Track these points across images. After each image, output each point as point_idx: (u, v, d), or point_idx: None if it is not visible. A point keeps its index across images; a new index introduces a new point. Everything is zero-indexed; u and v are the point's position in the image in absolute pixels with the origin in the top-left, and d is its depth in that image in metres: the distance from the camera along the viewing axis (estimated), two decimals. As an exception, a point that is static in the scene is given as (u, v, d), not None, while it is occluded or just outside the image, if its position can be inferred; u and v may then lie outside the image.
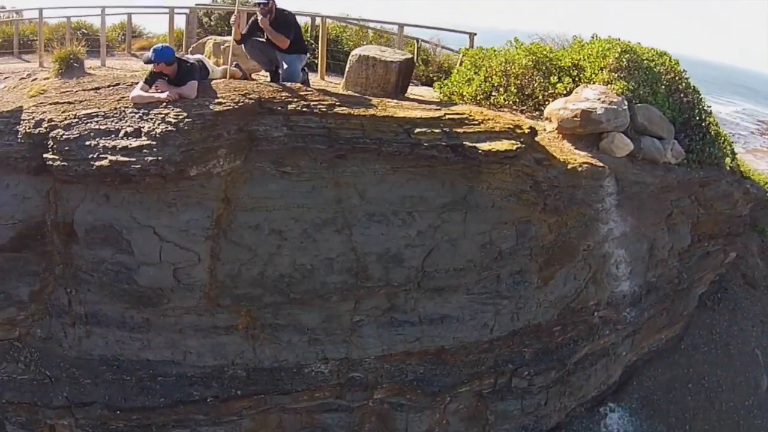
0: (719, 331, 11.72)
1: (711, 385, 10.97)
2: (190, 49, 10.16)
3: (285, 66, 8.65)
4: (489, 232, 7.92)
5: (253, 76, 9.62)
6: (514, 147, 7.56)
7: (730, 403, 11.02)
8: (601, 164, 9.21)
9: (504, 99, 10.36)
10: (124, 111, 7.39)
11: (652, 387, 10.62)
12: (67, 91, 8.10)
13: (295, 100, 7.52)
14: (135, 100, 7.41)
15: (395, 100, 8.06)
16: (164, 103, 7.25)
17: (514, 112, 10.35)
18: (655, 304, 10.21)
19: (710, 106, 12.24)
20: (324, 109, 7.45)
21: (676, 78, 11.54)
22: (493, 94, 10.50)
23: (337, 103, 7.53)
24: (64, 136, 7.26)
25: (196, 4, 13.27)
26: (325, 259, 7.57)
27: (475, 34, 12.23)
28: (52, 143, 7.28)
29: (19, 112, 7.78)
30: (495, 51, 11.09)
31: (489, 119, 7.83)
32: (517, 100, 10.43)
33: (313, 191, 7.53)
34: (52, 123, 7.40)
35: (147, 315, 7.77)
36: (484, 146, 7.46)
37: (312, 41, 13.24)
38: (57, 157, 7.24)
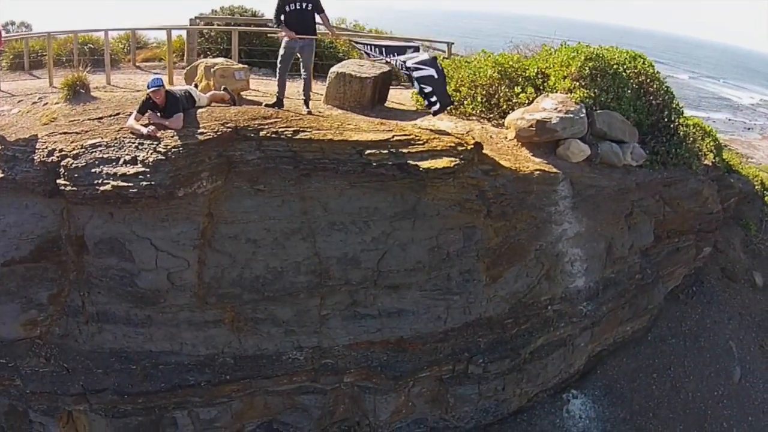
0: (689, 323, 13.43)
1: (677, 375, 12.70)
2: (185, 70, 12.34)
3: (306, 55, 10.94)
4: (436, 237, 9.93)
5: (243, 94, 11.88)
6: (452, 164, 9.54)
7: (697, 393, 12.70)
8: (555, 170, 11.12)
9: (471, 108, 12.35)
10: (123, 141, 9.66)
11: (615, 376, 12.46)
12: (74, 120, 10.39)
13: (266, 126, 9.70)
14: (127, 128, 9.74)
15: (354, 123, 10.16)
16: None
17: (481, 120, 12.34)
18: (615, 298, 12.06)
19: (682, 106, 13.94)
20: (290, 135, 9.57)
21: (647, 80, 13.30)
22: (465, 101, 12.53)
23: (301, 129, 9.70)
24: (74, 165, 9.53)
25: (195, 17, 15.45)
26: (293, 263, 9.73)
27: (452, 43, 14.20)
28: (63, 171, 9.52)
29: (34, 140, 10.06)
30: (466, 61, 13.07)
31: (433, 138, 9.82)
32: (484, 109, 12.40)
33: (282, 205, 9.69)
34: (63, 153, 9.64)
35: (148, 312, 10.04)
36: (425, 164, 9.45)
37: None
38: (68, 182, 9.47)
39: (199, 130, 9.58)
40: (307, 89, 11.00)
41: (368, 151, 9.54)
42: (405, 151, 9.61)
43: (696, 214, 13.30)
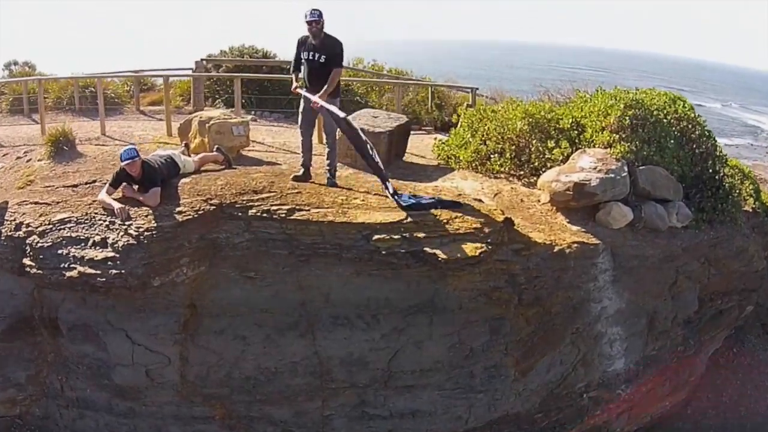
0: (730, 391, 10.14)
1: (718, 451, 9.61)
2: (179, 126, 9.42)
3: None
4: (457, 333, 6.87)
5: (242, 152, 8.94)
6: (478, 252, 6.48)
7: (738, 467, 9.62)
8: (595, 240, 7.97)
9: (500, 165, 9.21)
10: (94, 217, 6.85)
11: (652, 457, 9.39)
12: (49, 186, 7.64)
13: (256, 204, 6.75)
14: (99, 203, 6.94)
15: (361, 197, 7.08)
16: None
17: (510, 179, 9.19)
18: (655, 377, 8.92)
19: (725, 154, 10.60)
20: (283, 215, 6.62)
21: (689, 126, 9.98)
22: (492, 157, 9.39)
23: (297, 207, 6.72)
24: (39, 244, 6.84)
25: (203, 58, 12.48)
26: (289, 363, 6.78)
27: (477, 88, 11.01)
28: (29, 249, 6.88)
29: (4, 209, 7.39)
30: (492, 111, 9.89)
31: (455, 218, 6.76)
32: (513, 166, 9.24)
33: (276, 295, 6.73)
34: (29, 229, 6.95)
35: (130, 404, 7.34)
36: (445, 253, 6.41)
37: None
38: (34, 264, 6.84)
39: (178, 209, 6.70)
40: (331, 157, 7.65)
41: (376, 236, 6.53)
42: (420, 235, 6.57)
43: (741, 274, 9.99)
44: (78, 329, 7.06)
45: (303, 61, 7.37)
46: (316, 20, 7.06)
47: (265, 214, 6.66)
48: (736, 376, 10.41)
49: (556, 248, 7.56)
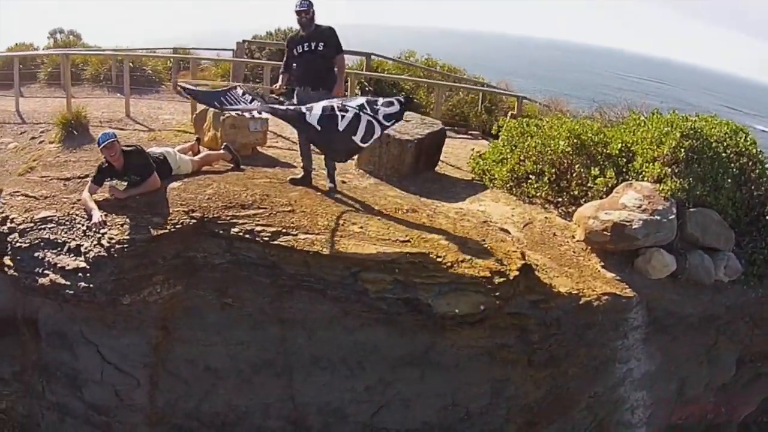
0: (762, 463, 8.39)
1: None
2: (194, 116, 8.15)
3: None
4: (452, 394, 5.40)
5: (260, 149, 7.60)
6: (480, 308, 4.98)
7: None
8: (629, 292, 6.25)
9: (536, 189, 7.54)
10: (74, 219, 5.67)
11: None
12: (45, 177, 6.53)
13: (240, 221, 5.43)
14: (81, 203, 5.75)
15: (362, 220, 5.60)
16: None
17: (546, 206, 7.53)
18: (680, 448, 7.26)
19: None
20: (267, 238, 5.29)
21: (749, 164, 8.01)
22: (529, 179, 7.73)
23: (283, 230, 5.35)
24: (18, 243, 5.73)
25: (244, 40, 11.15)
26: (261, 404, 5.51)
27: (525, 97, 9.23)
28: (9, 248, 5.80)
29: (-3, 197, 6.39)
30: (536, 125, 8.13)
31: (462, 261, 5.24)
32: (551, 191, 7.54)
33: (255, 327, 5.41)
34: (12, 225, 5.84)
35: (105, 419, 6.24)
36: (442, 306, 4.93)
37: (365, 83, 10.94)
38: (12, 264, 5.76)
39: (155, 219, 5.44)
40: (328, 162, 6.40)
41: (365, 276, 5.10)
42: (417, 280, 5.08)
43: (789, 335, 8.07)
44: (55, 336, 6.01)
45: (296, 56, 6.12)
46: (305, 10, 5.96)
47: (248, 235, 5.32)
48: (770, 445, 8.52)
49: (583, 300, 5.92)
